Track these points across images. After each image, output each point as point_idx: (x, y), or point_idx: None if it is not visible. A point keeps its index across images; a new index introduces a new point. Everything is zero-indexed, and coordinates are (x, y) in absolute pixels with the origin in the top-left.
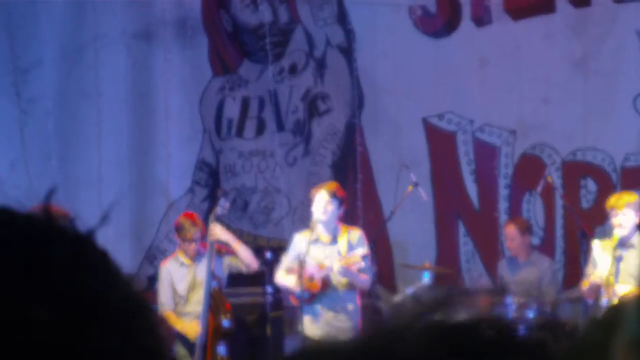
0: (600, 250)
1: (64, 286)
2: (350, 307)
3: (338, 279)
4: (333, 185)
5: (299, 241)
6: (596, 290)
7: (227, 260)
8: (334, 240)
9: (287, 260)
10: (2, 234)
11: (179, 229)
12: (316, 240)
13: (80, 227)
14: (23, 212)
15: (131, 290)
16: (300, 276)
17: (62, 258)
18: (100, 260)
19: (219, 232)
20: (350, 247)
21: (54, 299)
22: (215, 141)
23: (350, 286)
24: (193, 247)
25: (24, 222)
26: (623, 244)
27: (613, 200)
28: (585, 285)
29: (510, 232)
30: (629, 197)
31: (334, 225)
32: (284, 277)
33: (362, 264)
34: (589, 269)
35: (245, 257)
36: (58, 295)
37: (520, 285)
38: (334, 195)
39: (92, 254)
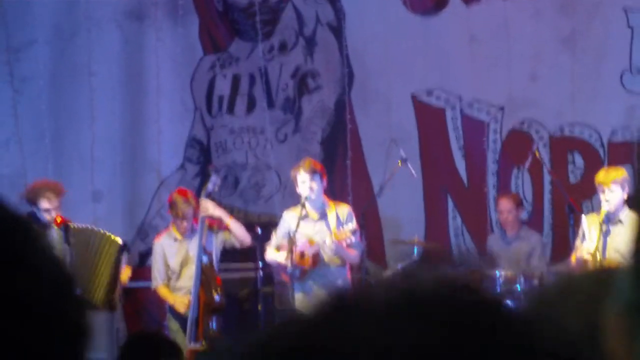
0: (587, 225)
1: None
2: (341, 282)
3: (329, 255)
4: (308, 162)
5: (289, 218)
6: (583, 264)
7: (221, 236)
8: (323, 216)
9: (278, 237)
10: None
11: (172, 205)
12: (305, 217)
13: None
14: None
15: (60, 268)
16: (291, 253)
17: None
18: (32, 240)
19: (210, 208)
20: (339, 223)
21: None
22: (207, 118)
23: (341, 262)
24: (185, 224)
25: None
26: (610, 219)
27: (600, 176)
28: (573, 259)
29: (506, 206)
30: (616, 174)
31: (321, 201)
32: (275, 254)
33: (352, 239)
34: (578, 243)
35: (237, 232)
36: None
37: (511, 259)
38: (313, 171)
39: (24, 233)
